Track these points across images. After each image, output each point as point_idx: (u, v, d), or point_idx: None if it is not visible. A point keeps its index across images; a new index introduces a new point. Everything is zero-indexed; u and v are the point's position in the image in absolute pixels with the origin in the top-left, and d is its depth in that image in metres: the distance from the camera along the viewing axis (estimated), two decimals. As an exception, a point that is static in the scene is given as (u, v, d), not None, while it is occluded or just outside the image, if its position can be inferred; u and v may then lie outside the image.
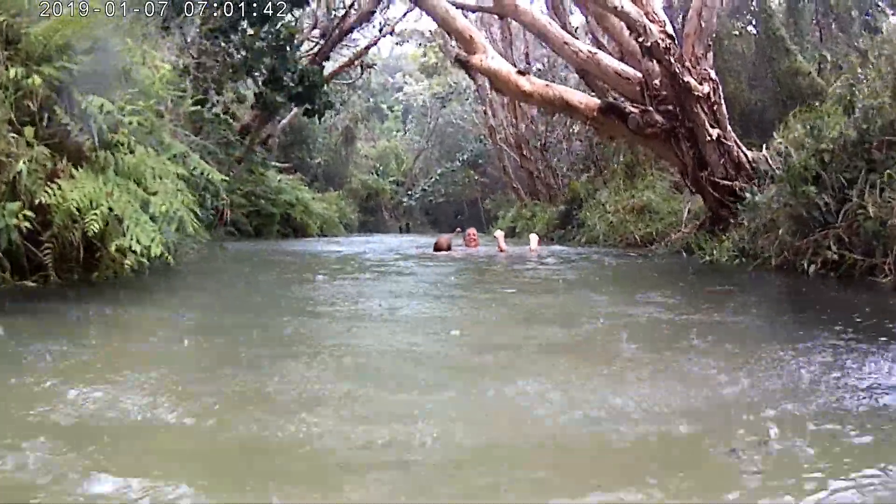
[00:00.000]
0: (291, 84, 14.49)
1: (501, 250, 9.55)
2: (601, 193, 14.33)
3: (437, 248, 9.68)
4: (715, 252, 6.90)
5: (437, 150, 36.90)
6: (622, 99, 8.98)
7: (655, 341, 3.12)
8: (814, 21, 15.04)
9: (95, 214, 3.80)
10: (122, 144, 4.38)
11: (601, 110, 8.14)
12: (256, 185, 15.10)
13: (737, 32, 14.32)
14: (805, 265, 5.19)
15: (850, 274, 4.90)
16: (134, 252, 3.93)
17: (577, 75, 12.63)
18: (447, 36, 27.96)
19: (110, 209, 3.93)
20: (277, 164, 17.78)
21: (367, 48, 18.82)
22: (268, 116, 17.13)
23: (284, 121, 28.73)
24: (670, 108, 8.32)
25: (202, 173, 5.25)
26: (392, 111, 40.60)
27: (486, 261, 8.63)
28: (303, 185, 17.98)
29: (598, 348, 3.07)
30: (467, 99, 31.09)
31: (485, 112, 25.21)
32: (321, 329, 3.46)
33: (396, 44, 29.87)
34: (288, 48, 13.66)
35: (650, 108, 8.08)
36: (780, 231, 5.36)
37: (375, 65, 31.33)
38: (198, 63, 14.60)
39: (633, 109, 8.04)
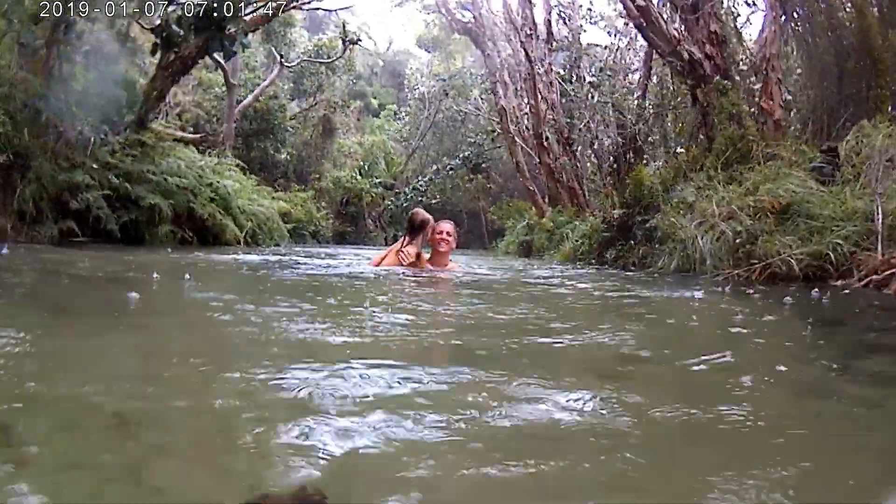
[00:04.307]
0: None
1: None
2: (682, 189, 8.80)
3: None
4: None
5: (433, 149, 31.26)
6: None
7: None
8: None
9: None
10: None
11: None
12: (139, 163, 9.54)
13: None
14: None
15: None
16: None
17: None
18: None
19: None
20: (175, 131, 12.10)
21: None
22: (175, 70, 11.64)
23: (245, 102, 23.17)
24: None
25: None
26: (379, 103, 35.07)
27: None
28: (232, 169, 12.36)
29: None
30: (472, 85, 25.60)
31: (493, 93, 19.62)
32: None
33: (397, 5, 24.34)
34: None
35: None
36: None
37: (360, 40, 26.01)
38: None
39: None
